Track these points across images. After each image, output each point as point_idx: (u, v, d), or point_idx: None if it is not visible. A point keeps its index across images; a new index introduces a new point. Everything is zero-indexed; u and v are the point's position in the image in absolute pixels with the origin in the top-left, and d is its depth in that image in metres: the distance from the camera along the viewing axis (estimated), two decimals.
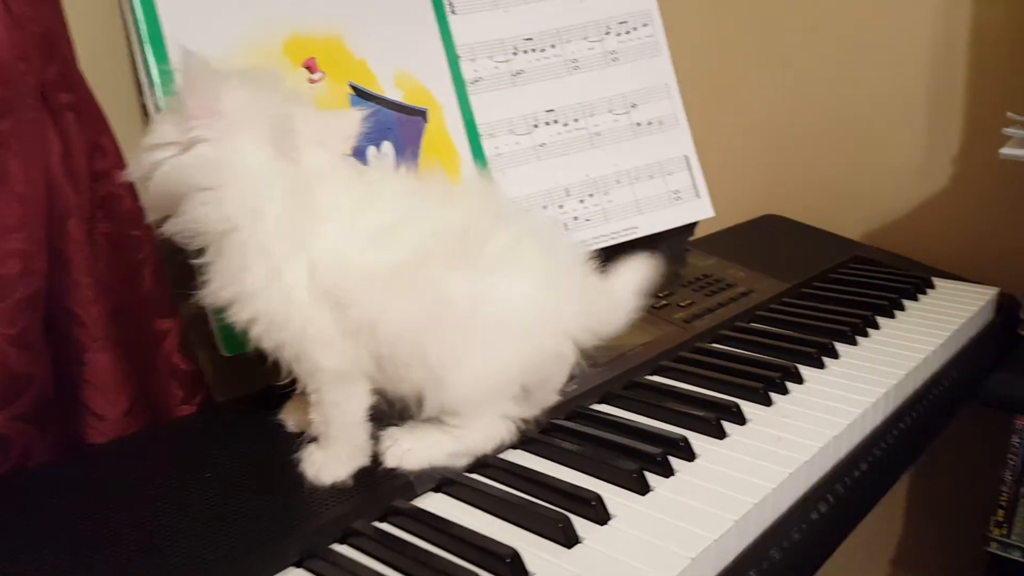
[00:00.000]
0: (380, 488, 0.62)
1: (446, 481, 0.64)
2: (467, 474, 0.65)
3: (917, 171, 1.23)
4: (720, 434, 0.71)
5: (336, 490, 0.62)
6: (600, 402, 0.78)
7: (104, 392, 0.63)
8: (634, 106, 1.04)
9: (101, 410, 0.64)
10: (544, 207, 0.97)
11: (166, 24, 0.72)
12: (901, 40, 1.21)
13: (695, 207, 1.07)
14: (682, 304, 0.97)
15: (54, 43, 0.61)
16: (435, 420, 0.65)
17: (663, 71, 1.06)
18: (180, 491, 0.61)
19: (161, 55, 0.73)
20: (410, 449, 0.64)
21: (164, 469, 0.65)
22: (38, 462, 0.63)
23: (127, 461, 0.65)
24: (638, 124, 1.04)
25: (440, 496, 0.63)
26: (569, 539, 0.56)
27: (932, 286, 1.09)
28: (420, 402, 0.64)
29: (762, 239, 1.25)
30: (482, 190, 0.73)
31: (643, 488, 0.63)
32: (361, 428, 0.64)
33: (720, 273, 1.07)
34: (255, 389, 0.75)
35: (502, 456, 0.67)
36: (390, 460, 0.64)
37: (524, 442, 0.69)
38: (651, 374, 0.83)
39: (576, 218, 0.99)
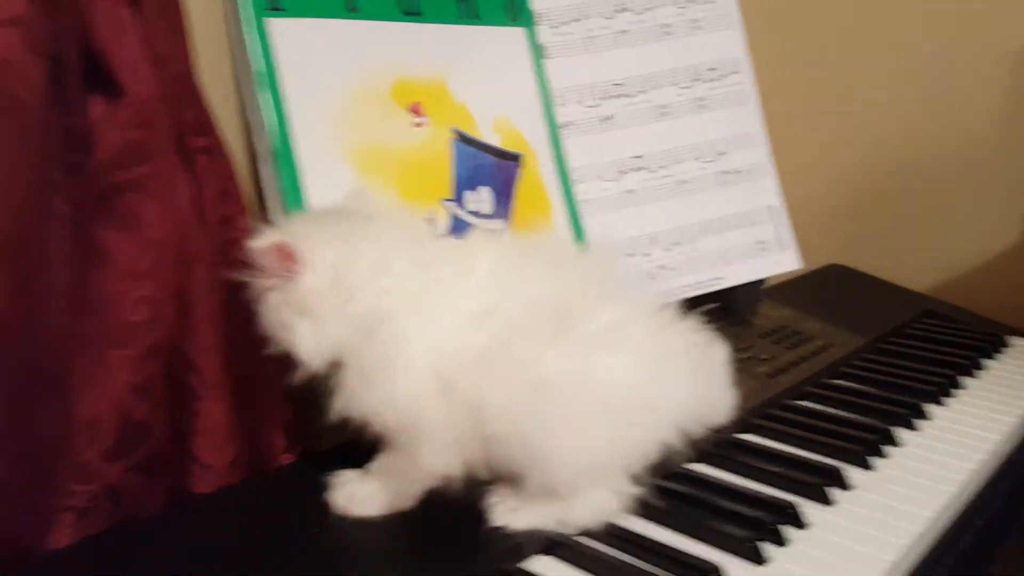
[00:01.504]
0: (488, 550, 0.60)
1: (554, 543, 0.62)
2: (576, 537, 0.63)
3: (988, 225, 1.22)
4: (826, 500, 0.69)
5: (441, 549, 0.60)
6: (696, 461, 0.76)
7: (214, 441, 0.62)
8: (721, 154, 1.03)
9: (209, 459, 0.62)
10: (630, 255, 0.96)
11: (283, 69, 0.71)
12: (973, 85, 1.20)
13: (781, 258, 1.06)
14: (763, 357, 0.96)
15: (192, 84, 0.60)
16: None
17: (751, 119, 1.06)
18: (285, 546, 0.59)
19: (276, 99, 0.72)
20: (517, 508, 0.63)
21: (270, 521, 0.63)
22: (147, 513, 0.61)
23: (235, 513, 0.63)
24: (725, 172, 1.03)
25: (549, 560, 0.61)
26: None
27: (1006, 344, 1.07)
28: (521, 480, 0.62)
29: (831, 290, 1.24)
30: (594, 264, 0.70)
31: (759, 558, 0.61)
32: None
33: (796, 325, 1.05)
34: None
35: None
36: (497, 518, 0.63)
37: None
38: (741, 432, 0.81)
39: (663, 267, 0.98)
